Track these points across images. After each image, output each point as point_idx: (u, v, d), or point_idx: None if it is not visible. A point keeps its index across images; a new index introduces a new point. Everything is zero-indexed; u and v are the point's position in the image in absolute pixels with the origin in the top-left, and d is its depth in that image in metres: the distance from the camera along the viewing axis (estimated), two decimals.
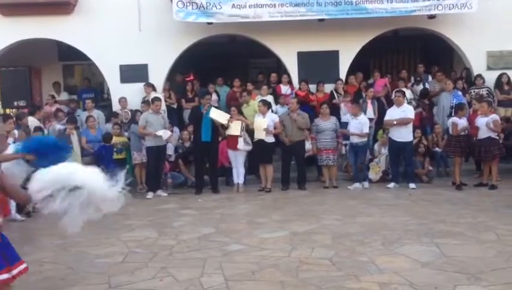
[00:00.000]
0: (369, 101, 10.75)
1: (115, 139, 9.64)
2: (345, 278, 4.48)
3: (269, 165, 9.40)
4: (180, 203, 8.49)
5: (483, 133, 8.79)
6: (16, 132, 7.79)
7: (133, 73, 11.19)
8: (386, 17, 10.80)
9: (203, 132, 9.18)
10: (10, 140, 6.84)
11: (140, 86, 11.06)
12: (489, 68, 11.40)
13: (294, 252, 5.32)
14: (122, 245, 5.85)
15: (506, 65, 11.38)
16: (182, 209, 7.98)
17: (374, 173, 9.91)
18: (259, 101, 9.80)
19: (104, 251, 5.61)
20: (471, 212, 7.02)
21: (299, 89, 11.02)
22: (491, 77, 11.16)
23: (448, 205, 7.59)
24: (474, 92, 10.83)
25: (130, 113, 10.53)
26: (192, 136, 9.88)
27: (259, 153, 9.46)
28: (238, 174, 9.43)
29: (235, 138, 9.23)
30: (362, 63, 12.12)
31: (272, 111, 9.90)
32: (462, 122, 9.08)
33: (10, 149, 4.67)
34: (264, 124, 9.22)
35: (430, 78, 11.85)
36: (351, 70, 11.59)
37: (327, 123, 9.48)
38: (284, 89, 11.26)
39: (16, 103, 11.81)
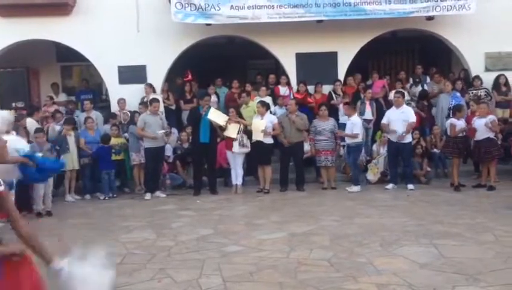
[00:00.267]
0: (367, 102, 10.77)
1: (113, 140, 9.63)
2: (343, 279, 4.48)
3: (268, 167, 9.40)
4: (178, 205, 8.49)
5: (482, 134, 8.79)
6: (14, 133, 7.77)
7: (132, 74, 11.18)
8: (385, 18, 10.81)
9: (201, 133, 9.18)
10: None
11: (138, 87, 11.06)
12: (487, 69, 11.42)
13: (292, 253, 5.32)
14: (121, 246, 5.84)
15: (504, 66, 11.40)
16: (181, 211, 7.98)
17: (373, 174, 9.92)
18: (257, 102, 9.80)
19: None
20: (470, 213, 7.02)
21: (298, 90, 11.03)
22: (489, 78, 11.18)
23: (447, 206, 7.60)
24: (472, 93, 10.85)
25: (129, 115, 10.52)
26: (190, 137, 9.88)
27: (257, 155, 9.46)
28: (237, 175, 9.42)
29: (233, 140, 9.22)
30: (361, 64, 12.12)
31: (271, 112, 9.90)
32: (460, 123, 9.09)
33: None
34: (262, 125, 9.22)
35: (428, 79, 11.87)
36: (350, 72, 11.60)
37: (325, 124, 9.48)
38: (283, 90, 11.26)
39: (14, 104, 11.76)
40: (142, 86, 11.06)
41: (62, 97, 12.24)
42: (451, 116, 9.64)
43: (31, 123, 9.23)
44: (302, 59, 11.39)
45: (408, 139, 9.35)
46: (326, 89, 11.20)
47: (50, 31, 11.04)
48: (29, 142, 8.46)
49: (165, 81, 11.49)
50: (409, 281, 4.35)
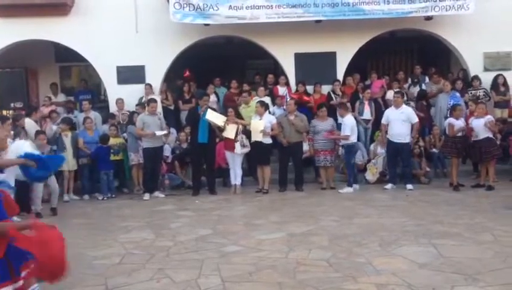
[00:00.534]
0: (366, 102, 10.77)
1: (111, 141, 9.62)
2: (342, 280, 4.47)
3: (266, 167, 9.40)
4: (177, 205, 8.48)
5: (481, 134, 8.80)
6: (11, 133, 7.77)
7: (130, 74, 11.19)
8: (383, 18, 10.82)
9: (200, 133, 9.17)
10: (9, 141, 6.82)
11: (137, 87, 11.06)
12: (486, 69, 11.43)
13: (291, 254, 5.31)
14: (120, 247, 5.84)
15: (503, 66, 11.42)
16: (179, 211, 7.96)
17: (371, 174, 9.92)
18: (256, 102, 9.79)
19: (101, 253, 5.59)
20: (469, 213, 7.02)
21: (296, 90, 11.03)
22: (487, 78, 11.19)
23: (446, 206, 7.60)
24: (471, 93, 10.85)
25: (127, 115, 10.51)
26: (189, 138, 9.87)
27: (256, 155, 9.46)
28: (236, 175, 9.41)
29: (231, 140, 9.22)
30: (359, 64, 12.13)
31: (269, 112, 9.89)
32: (459, 123, 9.09)
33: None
34: (261, 125, 9.21)
35: (426, 79, 11.87)
36: (348, 72, 11.61)
37: (324, 124, 9.47)
38: (281, 90, 11.25)
39: (12, 105, 11.77)
40: (140, 86, 11.07)
41: (61, 97, 12.23)
42: (449, 116, 9.65)
43: (29, 123, 9.21)
44: (300, 59, 11.39)
45: (407, 139, 9.36)
46: (325, 89, 11.20)
47: (48, 31, 11.03)
48: None
49: (163, 82, 11.48)
50: (408, 281, 4.34)
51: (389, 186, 9.27)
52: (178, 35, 11.10)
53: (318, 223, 6.73)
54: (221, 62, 12.81)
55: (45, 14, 10.87)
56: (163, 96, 11.24)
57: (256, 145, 9.28)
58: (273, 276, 4.64)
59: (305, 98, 10.76)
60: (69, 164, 9.07)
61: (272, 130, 9.34)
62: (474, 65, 11.47)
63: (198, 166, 9.48)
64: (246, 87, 11.25)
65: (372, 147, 10.35)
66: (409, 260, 4.96)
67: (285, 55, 11.46)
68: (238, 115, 9.56)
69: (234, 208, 8.22)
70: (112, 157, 9.62)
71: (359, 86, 11.37)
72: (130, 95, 10.98)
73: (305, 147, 9.91)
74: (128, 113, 10.54)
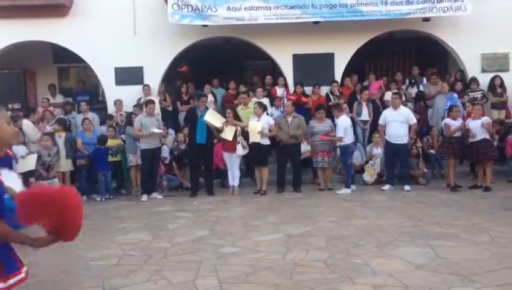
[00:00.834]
0: (364, 103, 10.80)
1: (109, 142, 9.62)
2: (339, 281, 4.48)
3: (264, 168, 9.40)
4: (175, 206, 8.48)
5: (478, 136, 8.82)
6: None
7: (128, 75, 11.19)
8: (381, 19, 10.84)
9: (198, 134, 9.18)
10: None
11: (135, 88, 11.06)
12: (483, 70, 11.46)
13: (289, 255, 5.32)
14: (117, 248, 5.84)
15: (501, 67, 11.45)
16: (177, 212, 7.97)
17: (369, 175, 9.93)
18: (255, 103, 9.81)
19: (98, 254, 5.59)
20: (466, 214, 7.03)
21: (294, 91, 11.04)
22: (485, 80, 11.22)
23: (443, 207, 7.60)
24: (468, 95, 10.87)
25: (124, 116, 10.51)
26: (187, 139, 9.88)
27: (254, 156, 9.47)
28: (234, 176, 9.42)
29: (230, 142, 9.22)
30: (357, 66, 12.15)
31: (267, 114, 9.90)
32: (455, 123, 9.11)
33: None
34: (259, 127, 9.22)
35: (424, 80, 11.89)
36: (347, 73, 11.63)
37: (322, 125, 9.47)
38: (280, 91, 11.27)
39: (10, 106, 11.75)
40: (138, 88, 11.07)
41: (59, 99, 12.22)
42: (446, 116, 9.67)
43: (27, 125, 9.22)
44: (299, 60, 11.41)
45: (404, 140, 9.37)
46: (324, 90, 11.21)
47: (46, 33, 11.04)
48: (24, 143, 8.48)
49: (162, 83, 11.49)
50: (405, 282, 4.35)
51: (386, 187, 9.28)
52: (176, 37, 11.11)
53: (316, 224, 6.74)
54: (220, 63, 12.81)
55: (43, 15, 10.88)
56: (161, 97, 11.25)
57: (254, 147, 9.29)
58: (270, 277, 4.64)
59: (303, 99, 10.77)
60: (62, 165, 9.06)
61: (269, 131, 9.35)
62: (472, 66, 11.50)
63: (196, 167, 9.48)
64: (242, 88, 11.26)
65: (368, 148, 10.37)
66: (405, 261, 4.97)
67: (283, 56, 11.48)
68: (236, 116, 9.57)
69: (232, 209, 8.23)
70: (110, 159, 9.63)
71: (357, 87, 11.40)
72: (128, 96, 10.99)
73: (303, 148, 9.91)
74: (125, 114, 10.54)
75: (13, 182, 2.99)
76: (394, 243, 5.62)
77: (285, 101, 10.31)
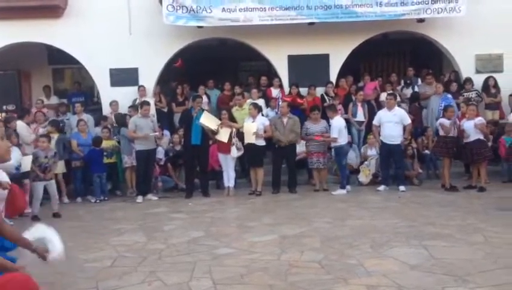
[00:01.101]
0: (359, 104, 10.82)
1: (104, 143, 9.61)
2: (333, 281, 4.48)
3: (260, 169, 9.41)
4: (170, 207, 8.47)
5: (472, 136, 8.85)
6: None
7: (123, 76, 11.18)
8: (376, 20, 10.87)
9: (193, 135, 9.17)
10: None
11: (130, 89, 11.05)
12: (477, 71, 11.51)
13: (283, 256, 5.31)
14: (112, 249, 5.82)
15: (495, 68, 11.50)
16: (172, 213, 7.96)
17: (364, 176, 9.95)
18: (250, 104, 9.81)
19: (92, 256, 5.57)
20: (460, 214, 7.05)
21: (290, 92, 11.05)
22: (479, 80, 11.28)
23: (438, 207, 7.63)
24: (463, 95, 10.91)
25: (113, 117, 10.47)
26: (182, 140, 9.87)
27: (250, 157, 9.48)
28: (229, 177, 9.41)
29: (225, 143, 9.22)
30: (353, 67, 12.18)
31: (262, 115, 9.90)
32: (449, 122, 9.12)
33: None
34: (254, 128, 9.22)
35: (419, 81, 11.93)
36: (342, 74, 11.64)
37: (317, 127, 9.48)
38: (275, 92, 11.28)
39: (5, 107, 11.74)
40: (133, 89, 11.06)
41: (54, 100, 12.20)
42: (441, 116, 9.70)
43: (21, 126, 9.19)
44: (294, 61, 11.43)
45: (399, 140, 9.39)
46: (319, 91, 11.22)
47: (41, 34, 11.01)
48: (18, 144, 8.44)
49: (157, 84, 11.47)
50: (399, 283, 4.35)
51: (381, 187, 9.30)
52: (171, 38, 11.10)
53: (311, 225, 6.74)
54: (215, 64, 12.83)
55: (38, 17, 10.86)
56: (156, 98, 11.24)
57: (249, 148, 9.29)
58: (265, 278, 4.64)
59: (298, 100, 10.77)
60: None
61: (265, 132, 9.35)
62: (466, 67, 11.55)
63: (192, 168, 9.47)
64: (237, 89, 11.26)
65: (362, 149, 10.40)
66: (400, 261, 4.97)
67: (278, 57, 11.50)
68: (232, 118, 9.57)
69: (227, 210, 8.23)
70: (105, 160, 9.61)
71: (352, 88, 11.42)
72: (123, 97, 10.98)
73: (299, 149, 9.91)
74: (114, 115, 10.50)
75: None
76: (389, 243, 5.63)
77: (281, 102, 10.31)
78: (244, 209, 8.13)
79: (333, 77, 11.50)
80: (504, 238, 5.66)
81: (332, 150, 9.64)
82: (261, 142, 9.37)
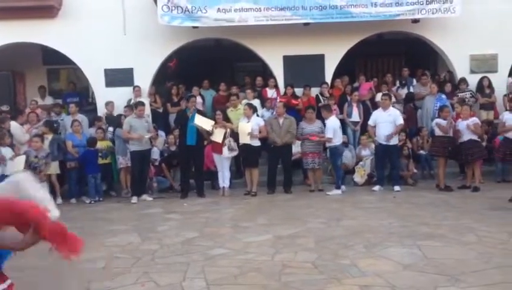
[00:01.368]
0: (354, 105, 10.83)
1: (99, 144, 9.59)
2: (326, 281, 4.48)
3: (255, 169, 9.40)
4: (165, 208, 8.46)
5: (465, 136, 8.88)
6: None
7: (118, 77, 11.15)
8: (371, 21, 10.88)
9: (188, 135, 9.17)
10: None
11: (125, 90, 11.02)
12: (472, 72, 11.53)
13: (277, 256, 5.32)
14: (105, 250, 5.81)
15: (489, 68, 11.52)
16: (167, 214, 7.96)
17: (360, 176, 9.97)
18: (245, 105, 9.81)
19: (86, 256, 5.50)
20: (454, 214, 7.07)
21: (285, 93, 11.05)
22: (474, 80, 11.30)
23: (432, 207, 7.64)
24: (457, 95, 10.94)
25: (104, 117, 10.46)
26: (177, 140, 9.85)
27: (245, 157, 9.47)
28: (224, 178, 9.41)
29: (220, 143, 9.21)
30: (348, 67, 12.19)
31: (258, 115, 9.90)
32: (446, 122, 9.14)
33: None
34: (248, 128, 9.22)
35: (414, 81, 11.95)
36: (337, 74, 11.65)
37: (312, 127, 9.49)
38: (270, 92, 11.28)
39: None
40: (129, 89, 11.03)
41: (48, 100, 12.15)
42: (437, 117, 9.72)
43: (15, 126, 9.16)
44: (289, 62, 11.42)
45: (395, 141, 9.41)
46: (314, 91, 11.23)
47: (36, 34, 10.97)
48: (11, 145, 8.43)
49: (152, 84, 11.46)
50: (392, 283, 4.36)
51: (376, 188, 9.31)
52: (166, 38, 11.08)
53: (305, 225, 6.75)
54: (210, 65, 12.81)
55: (32, 17, 10.81)
56: (151, 99, 11.22)
57: (244, 148, 9.29)
58: (258, 278, 4.64)
59: (293, 101, 10.74)
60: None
61: (260, 132, 9.35)
62: (461, 67, 11.57)
63: (187, 169, 9.46)
64: (234, 90, 11.26)
65: (357, 150, 10.41)
66: (393, 261, 4.98)
67: (273, 57, 11.49)
68: (226, 118, 9.57)
69: (222, 210, 8.22)
70: (100, 161, 9.59)
71: (347, 89, 11.43)
72: (118, 98, 10.96)
73: (294, 149, 9.92)
74: (104, 115, 10.50)
75: None
76: (383, 243, 5.64)
77: (278, 102, 10.29)
78: (239, 209, 8.13)
79: (328, 77, 11.50)
80: (497, 238, 5.68)
81: (327, 150, 9.64)
82: (256, 143, 9.37)
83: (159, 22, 10.57)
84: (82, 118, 10.34)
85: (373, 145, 10.06)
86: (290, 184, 9.53)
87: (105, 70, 11.20)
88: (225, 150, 9.14)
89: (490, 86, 11.17)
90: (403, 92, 11.64)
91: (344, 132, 10.61)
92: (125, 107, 10.53)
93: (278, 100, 10.59)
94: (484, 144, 9.63)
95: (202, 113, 9.55)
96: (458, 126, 9.03)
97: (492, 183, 9.48)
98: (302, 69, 11.22)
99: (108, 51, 11.06)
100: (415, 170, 10.12)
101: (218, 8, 10.53)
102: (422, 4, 10.70)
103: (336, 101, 10.88)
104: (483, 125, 9.83)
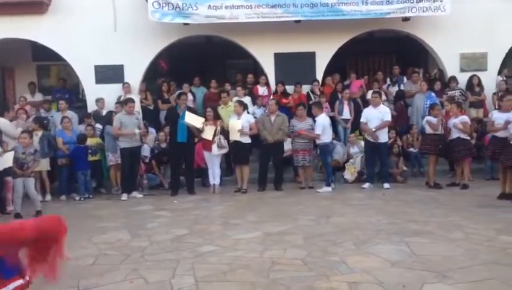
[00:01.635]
0: (345, 102, 10.87)
1: (89, 141, 9.55)
2: (315, 278, 4.50)
3: (245, 166, 9.41)
4: (155, 205, 8.45)
5: (454, 134, 8.95)
6: None
7: (109, 74, 11.08)
8: (362, 19, 10.91)
9: (178, 132, 9.15)
10: None
11: (115, 86, 10.96)
12: (462, 70, 11.61)
13: (266, 253, 5.33)
14: (94, 247, 5.79)
15: (479, 67, 11.60)
16: (157, 211, 7.94)
17: (350, 174, 10.01)
18: (235, 102, 9.81)
19: (74, 254, 5.50)
20: (442, 211, 7.12)
21: (276, 90, 11.05)
22: (464, 79, 11.37)
23: (421, 204, 7.69)
24: (447, 94, 11.01)
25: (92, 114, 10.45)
26: (168, 137, 9.83)
27: (235, 154, 9.47)
28: (214, 175, 9.41)
29: (210, 141, 9.20)
30: (339, 65, 12.21)
31: (248, 112, 9.90)
32: (436, 120, 9.19)
33: None
34: (238, 125, 9.22)
35: (405, 79, 12.00)
36: (328, 72, 11.68)
37: (303, 124, 9.51)
38: (261, 90, 11.28)
39: None
40: (119, 86, 10.98)
41: (38, 97, 12.06)
42: (427, 115, 9.77)
43: (4, 123, 9.09)
44: (280, 59, 11.43)
45: (384, 138, 9.45)
46: (305, 89, 11.25)
47: (25, 30, 10.89)
48: (0, 141, 8.36)
49: (143, 81, 11.41)
50: (380, 279, 4.39)
51: (366, 185, 9.35)
52: (157, 35, 11.04)
53: (295, 222, 6.76)
54: (201, 62, 12.78)
55: (22, 13, 10.73)
56: (142, 96, 11.18)
57: (234, 145, 9.29)
58: (247, 275, 4.65)
59: (283, 100, 10.70)
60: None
61: (250, 129, 9.35)
62: (451, 66, 11.65)
63: (177, 166, 9.45)
64: (227, 87, 11.25)
65: (346, 147, 10.46)
66: (381, 258, 5.02)
67: (264, 55, 11.48)
68: (217, 115, 9.55)
69: (212, 207, 8.22)
70: (90, 158, 9.54)
71: (338, 86, 11.46)
72: (108, 94, 10.89)
73: (286, 146, 9.94)
74: (93, 112, 10.49)
75: None
76: (371, 240, 5.67)
77: (270, 100, 10.27)
78: (229, 206, 8.13)
79: (319, 74, 11.52)
80: (484, 235, 5.74)
81: (318, 147, 9.66)
82: (247, 140, 9.37)
83: (149, 19, 10.53)
84: (72, 114, 10.29)
85: (362, 143, 10.12)
86: (281, 181, 9.55)
87: (96, 67, 11.14)
88: (214, 147, 9.13)
89: (480, 84, 11.26)
90: (394, 89, 11.69)
91: (335, 129, 10.67)
92: (116, 103, 10.48)
93: (271, 98, 10.59)
94: (473, 141, 9.71)
95: (193, 111, 9.53)
96: (448, 124, 9.08)
97: (481, 181, 9.56)
98: (293, 66, 11.23)
99: (99, 48, 11.00)
100: (405, 168, 10.18)
101: (209, 5, 10.50)
102: (413, 2, 10.75)
103: (327, 98, 10.91)
104: (472, 123, 9.90)
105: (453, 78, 11.31)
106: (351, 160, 10.13)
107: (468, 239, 5.59)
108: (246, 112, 9.62)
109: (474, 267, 4.63)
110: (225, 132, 9.33)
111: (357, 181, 9.81)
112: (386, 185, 9.20)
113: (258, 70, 12.19)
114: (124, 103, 9.52)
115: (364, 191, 9.09)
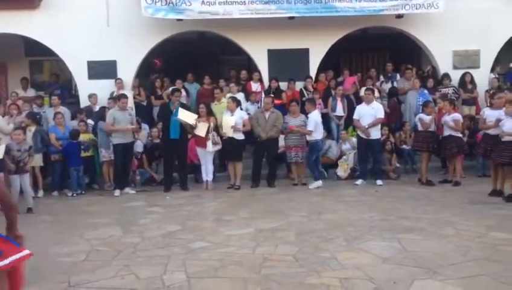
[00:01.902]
0: (338, 99, 10.88)
1: (81, 136, 9.51)
2: (306, 274, 4.52)
3: (238, 163, 9.41)
4: (147, 201, 8.44)
5: (446, 131, 8.98)
6: None
7: (101, 69, 11.02)
8: (355, 16, 10.92)
9: (171, 128, 9.13)
10: None
11: (108, 82, 10.91)
12: (455, 67, 11.65)
13: (258, 249, 5.34)
14: (86, 243, 5.78)
15: (472, 64, 11.65)
16: (150, 207, 7.93)
17: (343, 170, 10.03)
18: (228, 98, 9.79)
19: (66, 250, 5.52)
20: (434, 208, 7.16)
21: (269, 87, 11.01)
22: (457, 76, 11.42)
23: (413, 201, 7.73)
24: (440, 91, 11.05)
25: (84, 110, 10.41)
26: (161, 133, 9.81)
27: (228, 151, 9.47)
28: (207, 171, 9.40)
29: (203, 137, 9.19)
30: (332, 61, 12.22)
31: (241, 109, 9.89)
32: (429, 118, 9.23)
33: None
34: (232, 121, 9.21)
35: (398, 76, 12.03)
36: (322, 68, 11.68)
37: (296, 120, 9.51)
38: (255, 86, 11.27)
39: None
40: (112, 82, 10.93)
41: (31, 92, 11.98)
42: (420, 112, 9.80)
43: None
44: (273, 55, 11.42)
45: (377, 135, 9.48)
46: (299, 85, 11.24)
47: (17, 25, 10.81)
48: None
49: (136, 77, 11.37)
50: (371, 275, 4.41)
51: (359, 182, 9.38)
52: (150, 30, 11.00)
53: (287, 218, 6.78)
54: (195, 58, 12.74)
55: (14, 8, 10.66)
56: (135, 91, 11.14)
57: (227, 142, 9.28)
58: (239, 271, 4.66)
59: (276, 102, 10.51)
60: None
61: (243, 125, 9.35)
62: (444, 63, 11.69)
63: (170, 162, 9.43)
64: (222, 83, 11.23)
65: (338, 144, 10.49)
66: (373, 254, 5.04)
67: (258, 51, 11.47)
68: (210, 112, 9.53)
69: (205, 204, 8.21)
70: (83, 154, 9.51)
71: (331, 83, 11.47)
72: (101, 90, 10.85)
73: (281, 142, 9.91)
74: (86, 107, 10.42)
75: None
76: (363, 237, 5.69)
77: (263, 97, 10.24)
78: (221, 203, 8.14)
79: (313, 71, 11.52)
80: (475, 231, 5.77)
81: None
82: (240, 136, 9.37)
83: (142, 14, 10.48)
84: (64, 110, 10.23)
85: (353, 140, 10.14)
86: (274, 178, 9.56)
87: (88, 63, 11.08)
88: (209, 144, 9.12)
89: (472, 81, 11.31)
90: (387, 86, 11.72)
91: (328, 126, 10.68)
92: (108, 99, 10.44)
93: (263, 95, 10.58)
94: (465, 139, 9.75)
95: (186, 107, 9.51)
96: (442, 121, 9.11)
97: (473, 178, 9.62)
98: (287, 63, 11.23)
99: (91, 43, 10.93)
100: (398, 165, 10.21)
101: (203, 1, 10.48)
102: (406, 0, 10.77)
103: (320, 95, 10.92)
104: (465, 121, 9.94)
105: (446, 76, 11.35)
106: (344, 157, 10.15)
107: (459, 236, 5.63)
108: (239, 108, 9.60)
109: (465, 264, 4.66)
110: (218, 129, 9.32)
111: (350, 178, 9.84)
112: (379, 182, 9.23)
113: (251, 67, 12.18)
114: (117, 98, 9.48)
115: (357, 188, 9.12)
